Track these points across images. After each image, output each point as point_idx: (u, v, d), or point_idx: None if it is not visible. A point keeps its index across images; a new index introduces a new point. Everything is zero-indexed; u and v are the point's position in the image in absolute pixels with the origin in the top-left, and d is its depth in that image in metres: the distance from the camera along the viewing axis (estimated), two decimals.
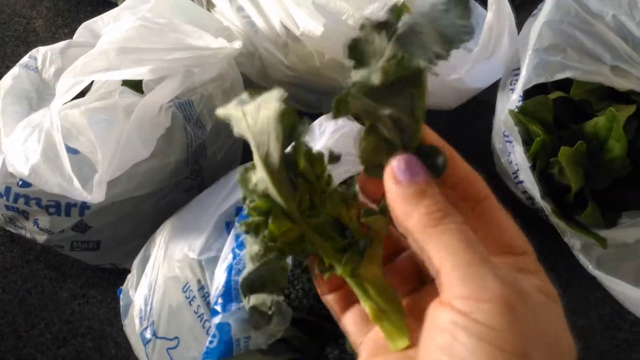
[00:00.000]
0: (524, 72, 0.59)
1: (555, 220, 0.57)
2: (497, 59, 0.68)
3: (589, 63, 0.59)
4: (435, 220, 0.25)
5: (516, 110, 0.60)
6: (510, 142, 0.61)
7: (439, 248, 0.24)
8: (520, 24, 0.85)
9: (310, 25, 0.71)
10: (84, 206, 0.68)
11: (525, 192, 0.62)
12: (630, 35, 0.59)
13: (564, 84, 0.63)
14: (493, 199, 0.28)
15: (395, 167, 0.27)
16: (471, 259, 0.23)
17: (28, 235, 0.73)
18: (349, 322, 0.31)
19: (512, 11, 0.72)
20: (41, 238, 0.72)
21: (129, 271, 0.66)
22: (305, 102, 0.88)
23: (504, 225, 0.27)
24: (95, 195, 0.59)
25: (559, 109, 0.63)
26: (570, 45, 0.59)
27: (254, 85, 0.88)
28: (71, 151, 0.62)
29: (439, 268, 0.24)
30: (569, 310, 0.86)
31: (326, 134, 0.62)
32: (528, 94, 0.63)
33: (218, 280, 0.51)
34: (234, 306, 0.48)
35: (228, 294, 0.49)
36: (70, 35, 0.99)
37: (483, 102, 0.86)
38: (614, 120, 0.57)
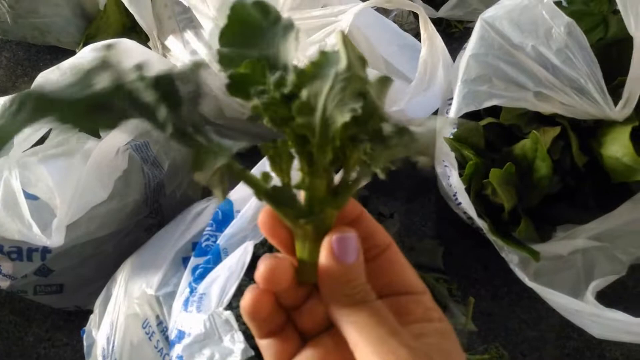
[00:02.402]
0: (454, 102, 0.64)
1: (492, 237, 0.62)
2: (434, 90, 0.73)
3: (514, 91, 0.64)
4: (355, 302, 0.27)
5: (451, 137, 0.65)
6: (447, 166, 0.65)
7: (355, 325, 0.27)
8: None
9: None
10: (45, 250, 0.70)
11: (465, 212, 0.66)
12: (550, 63, 0.64)
13: (495, 110, 0.68)
14: (394, 247, 0.30)
15: (335, 242, 0.27)
16: (383, 333, 0.26)
17: None
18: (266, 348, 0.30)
19: (449, 46, 0.78)
20: (4, 284, 0.73)
21: (93, 312, 0.68)
22: (260, 136, 0.92)
23: (405, 269, 0.30)
24: (55, 239, 0.61)
25: (491, 133, 0.68)
26: (495, 75, 0.64)
27: (210, 124, 0.91)
28: (30, 197, 0.65)
29: (355, 343, 0.26)
30: (521, 321, 0.90)
31: None
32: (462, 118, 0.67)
33: (175, 315, 0.53)
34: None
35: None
36: (30, 83, 1.01)
37: None
38: (538, 142, 0.62)
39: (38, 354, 0.77)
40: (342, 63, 0.25)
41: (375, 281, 0.29)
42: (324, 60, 0.25)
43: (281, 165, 0.28)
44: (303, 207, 0.28)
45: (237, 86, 0.29)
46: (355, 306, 0.27)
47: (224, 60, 0.28)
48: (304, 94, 0.25)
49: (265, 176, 0.28)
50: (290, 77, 0.26)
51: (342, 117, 0.25)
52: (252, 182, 0.28)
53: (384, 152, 0.26)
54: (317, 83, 0.25)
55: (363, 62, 0.27)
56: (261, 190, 0.27)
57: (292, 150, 0.28)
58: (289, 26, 0.28)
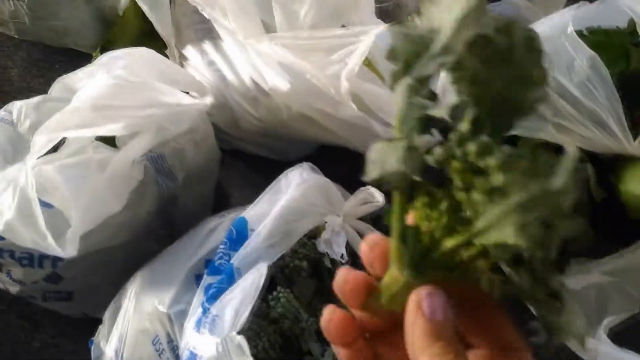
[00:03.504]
0: None
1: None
2: None
3: (534, 121, 0.64)
4: None
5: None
6: None
7: None
8: None
9: (277, 82, 0.76)
10: (56, 258, 0.69)
11: None
12: (570, 95, 0.64)
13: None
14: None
15: (423, 297, 0.27)
16: None
17: (1, 286, 0.74)
18: None
19: None
20: (14, 289, 0.73)
21: (101, 321, 0.68)
22: (274, 150, 0.92)
23: (506, 323, 0.29)
24: (69, 249, 0.61)
25: None
26: None
27: (226, 134, 0.91)
28: (45, 205, 0.65)
29: None
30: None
31: (292, 187, 0.65)
32: None
33: (187, 335, 0.53)
34: None
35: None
36: (44, 85, 1.01)
37: None
38: None
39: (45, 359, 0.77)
40: (560, 183, 0.22)
41: (472, 331, 0.28)
42: (543, 163, 0.23)
43: (427, 212, 0.27)
44: (416, 261, 0.27)
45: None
46: None
47: (458, 64, 0.25)
48: (498, 179, 0.23)
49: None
50: (497, 154, 0.23)
51: (512, 235, 0.22)
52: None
53: (526, 295, 0.25)
54: (518, 180, 0.22)
55: (581, 201, 0.23)
56: (399, 221, 0.27)
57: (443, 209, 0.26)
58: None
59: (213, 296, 0.55)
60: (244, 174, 0.93)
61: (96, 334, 0.65)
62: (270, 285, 0.59)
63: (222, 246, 0.60)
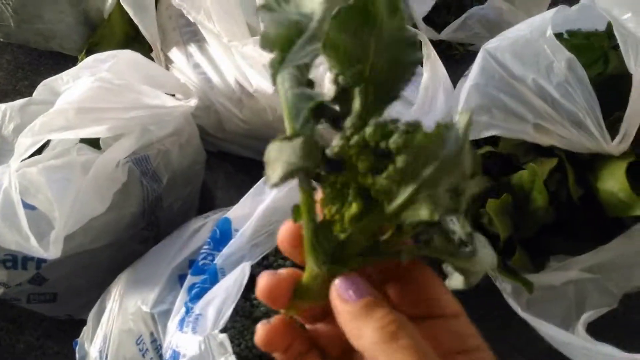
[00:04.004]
0: None
1: None
2: (434, 115, 0.74)
3: (513, 122, 0.65)
4: (388, 335, 0.25)
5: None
6: None
7: None
8: (459, 78, 0.92)
9: (262, 84, 0.76)
10: (40, 260, 0.70)
11: None
12: (549, 97, 0.65)
13: (493, 139, 0.69)
14: (464, 316, 0.28)
15: (339, 287, 0.27)
16: None
17: None
18: None
19: (449, 69, 0.79)
20: None
21: (85, 322, 0.68)
22: (259, 151, 0.92)
23: (440, 288, 0.28)
24: (52, 251, 0.61)
25: (488, 162, 0.68)
26: (495, 106, 0.65)
27: (211, 136, 0.92)
28: (28, 207, 0.64)
29: None
30: (511, 347, 0.90)
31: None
32: None
33: (170, 334, 0.53)
34: None
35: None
36: (30, 87, 1.01)
37: None
38: (536, 174, 0.63)
39: None
40: (455, 150, 0.23)
41: (406, 301, 0.28)
42: (437, 136, 0.23)
43: (335, 203, 0.26)
44: (332, 253, 0.27)
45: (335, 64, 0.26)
46: (392, 343, 0.25)
47: (329, 43, 0.25)
48: (401, 161, 0.23)
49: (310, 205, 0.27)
50: (395, 136, 0.23)
51: (427, 213, 0.23)
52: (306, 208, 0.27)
53: (441, 253, 0.26)
54: (420, 157, 0.23)
55: (476, 159, 0.24)
56: (309, 219, 0.26)
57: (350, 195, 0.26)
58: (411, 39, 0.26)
59: (196, 296, 0.56)
60: (229, 176, 0.94)
61: (80, 335, 0.65)
62: (253, 285, 0.59)
63: (205, 246, 0.61)
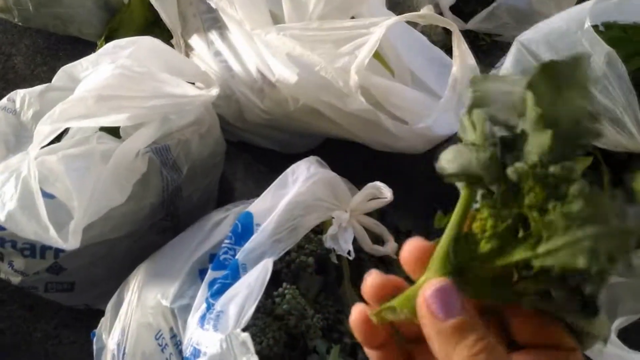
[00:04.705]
0: None
1: None
2: (463, 108, 0.72)
3: None
4: None
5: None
6: None
7: None
8: (486, 69, 0.89)
9: (285, 73, 0.74)
10: (59, 249, 0.69)
11: None
12: None
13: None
14: (579, 353, 0.26)
15: (428, 298, 0.24)
16: None
17: (2, 276, 0.73)
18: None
19: (477, 60, 0.76)
20: (16, 279, 0.72)
21: (102, 312, 0.67)
22: (280, 142, 0.91)
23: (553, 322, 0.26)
24: (71, 242, 0.60)
25: None
26: None
27: (231, 126, 0.90)
28: (47, 196, 0.63)
29: None
30: None
31: (299, 181, 0.64)
32: None
33: (191, 330, 0.52)
34: None
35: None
36: (49, 73, 1.00)
37: (453, 143, 0.90)
38: None
39: (46, 350, 0.77)
40: (633, 227, 0.23)
41: (526, 326, 0.26)
42: (619, 208, 0.23)
43: (490, 220, 0.26)
44: (460, 269, 0.26)
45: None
46: None
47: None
48: (576, 208, 0.23)
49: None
50: (578, 184, 0.24)
51: (584, 261, 0.23)
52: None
53: (562, 310, 0.25)
54: (593, 215, 0.23)
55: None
56: (455, 225, 0.26)
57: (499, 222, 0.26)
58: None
59: (217, 292, 0.54)
60: (248, 166, 0.92)
61: (98, 326, 0.64)
62: (275, 281, 0.58)
63: (227, 241, 0.59)
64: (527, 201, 0.25)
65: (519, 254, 0.25)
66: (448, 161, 0.27)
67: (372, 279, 0.28)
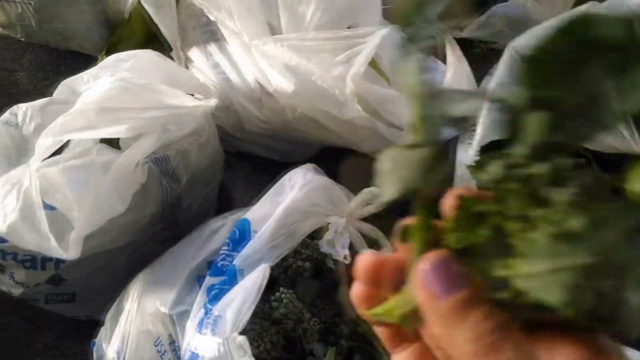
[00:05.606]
0: (479, 130, 0.63)
1: None
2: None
3: None
4: (485, 348, 0.19)
5: (473, 164, 0.64)
6: None
7: None
8: (482, 76, 0.90)
9: (282, 83, 0.75)
10: (59, 260, 0.69)
11: None
12: None
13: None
14: None
15: (425, 273, 0.21)
16: None
17: (4, 288, 0.74)
18: None
19: (472, 67, 0.77)
20: (17, 291, 0.73)
21: (103, 323, 0.67)
22: (278, 151, 0.92)
23: None
24: (72, 252, 0.61)
25: None
26: None
27: (230, 136, 0.91)
28: (48, 207, 0.64)
29: None
30: None
31: (295, 188, 0.65)
32: (485, 147, 0.66)
33: (189, 336, 0.53)
34: None
35: None
36: (51, 87, 1.01)
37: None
38: None
39: None
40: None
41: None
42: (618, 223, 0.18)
43: (458, 231, 0.21)
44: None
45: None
46: (490, 358, 0.19)
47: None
48: (577, 225, 0.18)
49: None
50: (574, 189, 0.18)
51: (558, 299, 0.18)
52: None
53: None
54: (597, 237, 0.18)
55: None
56: (421, 243, 0.22)
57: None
58: None
59: (215, 297, 0.55)
60: (248, 176, 0.93)
61: (98, 336, 0.65)
62: (273, 286, 0.58)
63: (224, 247, 0.60)
64: (506, 209, 0.20)
65: (495, 271, 0.20)
66: (386, 177, 0.22)
67: (365, 261, 0.24)
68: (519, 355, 0.19)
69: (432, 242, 0.22)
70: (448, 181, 0.21)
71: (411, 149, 0.21)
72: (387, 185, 0.22)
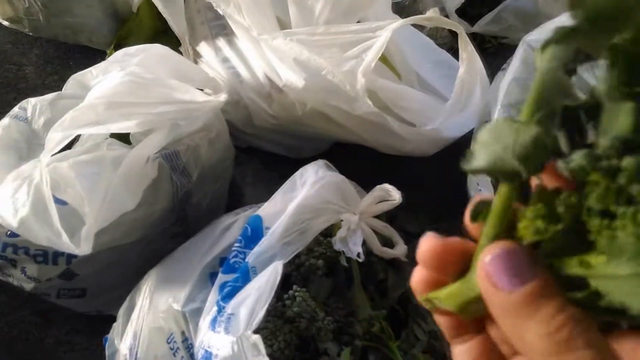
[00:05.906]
0: None
1: None
2: (470, 111, 0.72)
3: None
4: (558, 345, 0.18)
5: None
6: (482, 190, 0.64)
7: None
8: (493, 72, 0.89)
9: (292, 78, 0.75)
10: (70, 255, 0.69)
11: None
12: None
13: None
14: None
15: (488, 267, 0.20)
16: None
17: (15, 282, 0.74)
18: (460, 355, 0.24)
19: (483, 63, 0.76)
20: (28, 286, 0.73)
21: (114, 318, 0.67)
22: (288, 147, 0.91)
23: None
24: (83, 247, 0.61)
25: None
26: None
27: (240, 132, 0.91)
28: (59, 202, 0.64)
29: None
30: None
31: (307, 184, 0.65)
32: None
33: (202, 333, 0.52)
34: None
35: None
36: (59, 82, 1.01)
37: (461, 145, 0.90)
38: None
39: (58, 357, 0.77)
40: None
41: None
42: None
43: (538, 220, 0.20)
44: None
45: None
46: (565, 356, 0.18)
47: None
48: None
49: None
50: None
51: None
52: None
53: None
54: None
55: None
56: (497, 224, 0.21)
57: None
58: None
59: (228, 295, 0.55)
60: (257, 171, 0.92)
61: (110, 331, 0.65)
62: (285, 284, 0.58)
63: (237, 244, 0.60)
64: (589, 204, 0.19)
65: (572, 268, 0.19)
66: (481, 146, 0.21)
67: (427, 244, 0.23)
68: (598, 354, 0.18)
69: (506, 228, 0.21)
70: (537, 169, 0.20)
71: (520, 124, 0.20)
72: (479, 155, 0.21)
